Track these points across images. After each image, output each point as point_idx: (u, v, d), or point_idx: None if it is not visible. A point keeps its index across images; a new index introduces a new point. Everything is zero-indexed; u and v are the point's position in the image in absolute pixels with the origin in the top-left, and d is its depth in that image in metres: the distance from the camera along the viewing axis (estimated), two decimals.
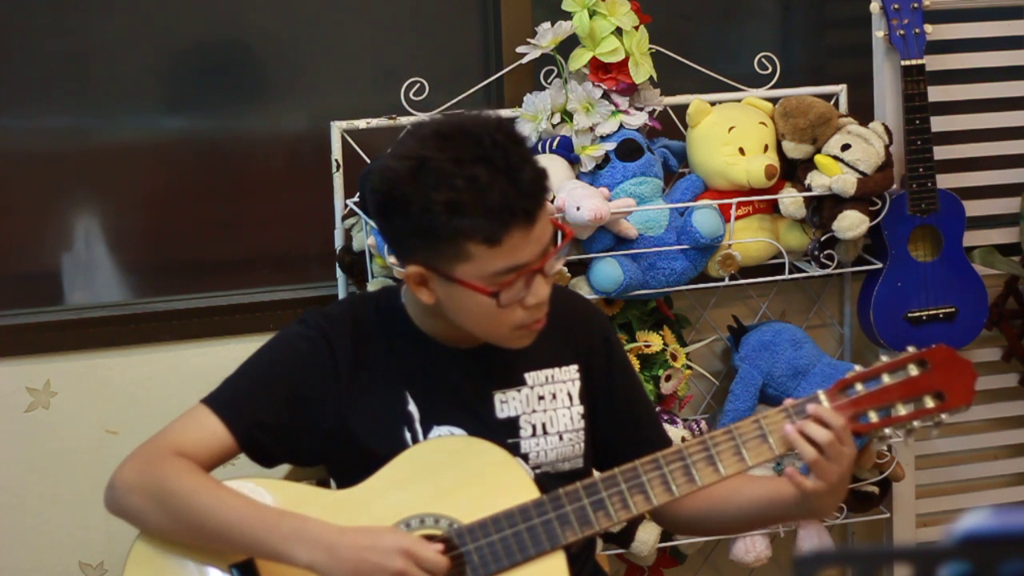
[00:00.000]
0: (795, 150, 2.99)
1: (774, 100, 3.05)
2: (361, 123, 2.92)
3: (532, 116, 2.91)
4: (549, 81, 2.98)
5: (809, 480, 2.14)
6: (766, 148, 2.97)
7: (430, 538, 2.09)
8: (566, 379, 2.27)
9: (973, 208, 3.22)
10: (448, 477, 2.14)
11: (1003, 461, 3.46)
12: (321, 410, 2.19)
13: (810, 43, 3.52)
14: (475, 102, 3.05)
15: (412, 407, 2.20)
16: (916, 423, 2.15)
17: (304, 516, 2.07)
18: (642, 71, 2.90)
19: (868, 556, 1.29)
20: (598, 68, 2.90)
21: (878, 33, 3.10)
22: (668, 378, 2.96)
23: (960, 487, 3.42)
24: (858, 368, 2.17)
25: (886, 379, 2.15)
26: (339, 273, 2.97)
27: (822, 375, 2.99)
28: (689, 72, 3.07)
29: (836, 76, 3.26)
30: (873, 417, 2.14)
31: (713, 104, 3.02)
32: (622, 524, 2.66)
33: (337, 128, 2.92)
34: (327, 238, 2.98)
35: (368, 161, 2.90)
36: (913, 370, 2.14)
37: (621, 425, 2.32)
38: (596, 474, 2.26)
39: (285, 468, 2.37)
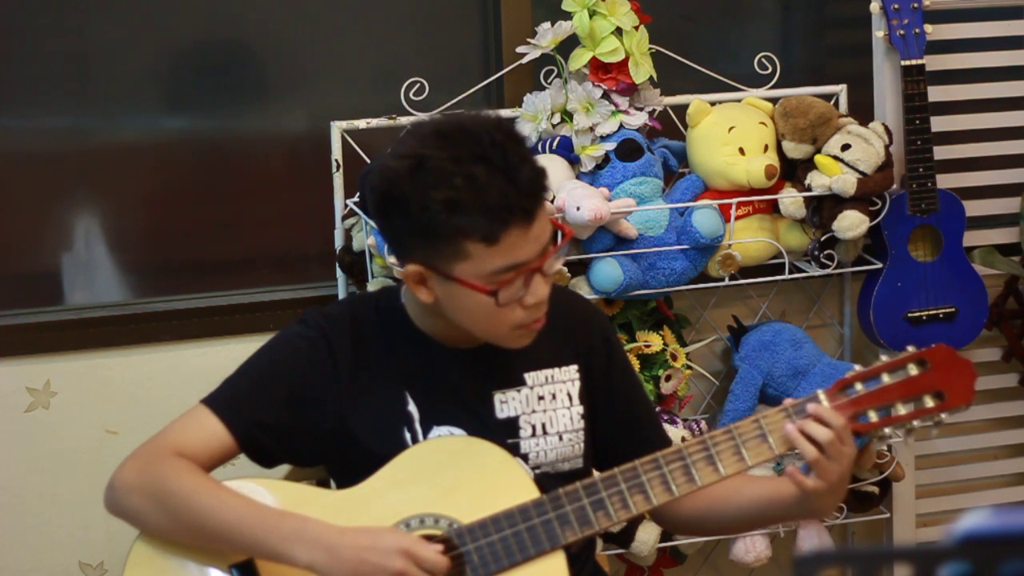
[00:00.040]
0: (795, 150, 2.98)
1: (774, 100, 3.04)
2: (361, 123, 2.92)
3: (532, 116, 2.91)
4: (549, 81, 2.98)
5: (810, 479, 2.14)
6: (766, 148, 2.97)
7: (430, 538, 2.09)
8: (566, 379, 2.27)
9: (973, 208, 3.22)
10: (448, 477, 2.14)
11: (1003, 461, 3.46)
12: (321, 410, 2.19)
13: (810, 43, 3.52)
14: (475, 102, 3.05)
15: (412, 407, 2.20)
16: (916, 423, 2.15)
17: (304, 516, 2.07)
18: (642, 71, 2.90)
19: (868, 556, 1.29)
20: (598, 68, 2.90)
21: (878, 33, 3.10)
22: (668, 378, 2.96)
23: (960, 487, 3.42)
24: (858, 368, 2.17)
25: (886, 379, 2.14)
26: (339, 273, 2.96)
27: (822, 375, 2.99)
28: (689, 72, 3.07)
29: (836, 76, 3.26)
30: (873, 417, 2.14)
31: (713, 104, 3.02)
32: (622, 524, 2.66)
33: (337, 128, 2.92)
34: (327, 238, 2.98)
35: (368, 161, 2.90)
36: (913, 370, 2.14)
37: (621, 425, 2.32)
38: (596, 474, 2.26)
39: (285, 468, 2.37)
